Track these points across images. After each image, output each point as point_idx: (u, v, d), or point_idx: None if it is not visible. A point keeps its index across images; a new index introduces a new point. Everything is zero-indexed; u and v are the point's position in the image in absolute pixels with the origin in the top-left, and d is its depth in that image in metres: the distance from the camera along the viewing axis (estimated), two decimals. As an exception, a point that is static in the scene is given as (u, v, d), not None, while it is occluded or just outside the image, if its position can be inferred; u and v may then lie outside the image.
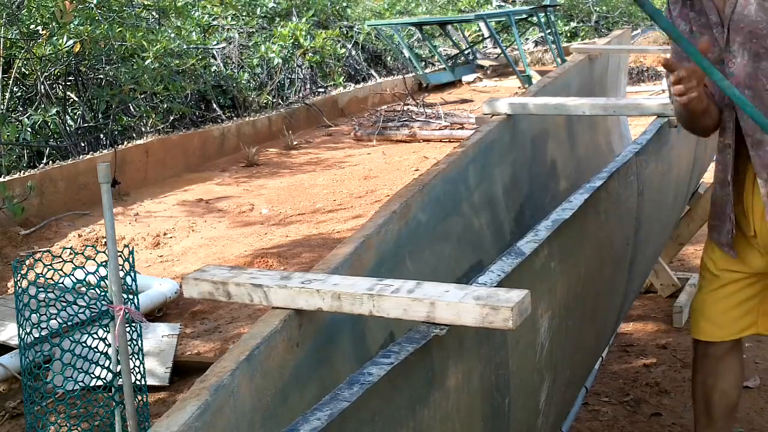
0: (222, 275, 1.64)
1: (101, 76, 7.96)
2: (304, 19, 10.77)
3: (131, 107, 8.12)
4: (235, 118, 9.09)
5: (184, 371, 3.59)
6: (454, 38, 13.65)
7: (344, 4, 13.21)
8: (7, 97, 7.34)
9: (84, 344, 2.79)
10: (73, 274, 2.76)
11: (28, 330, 2.69)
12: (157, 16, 8.92)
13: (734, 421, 2.45)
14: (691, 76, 1.94)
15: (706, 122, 2.19)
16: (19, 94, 7.80)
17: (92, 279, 2.79)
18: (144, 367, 2.88)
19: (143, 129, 8.15)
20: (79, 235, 5.74)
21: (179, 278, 4.67)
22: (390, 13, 14.32)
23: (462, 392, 1.52)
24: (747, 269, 2.29)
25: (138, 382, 2.83)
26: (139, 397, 2.82)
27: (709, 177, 4.23)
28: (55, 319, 2.75)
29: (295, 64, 10.43)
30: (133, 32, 7.59)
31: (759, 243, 2.25)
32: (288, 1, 11.70)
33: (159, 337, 3.68)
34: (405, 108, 10.02)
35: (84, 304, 2.77)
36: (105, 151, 7.13)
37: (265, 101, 9.75)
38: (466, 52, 13.21)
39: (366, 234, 2.08)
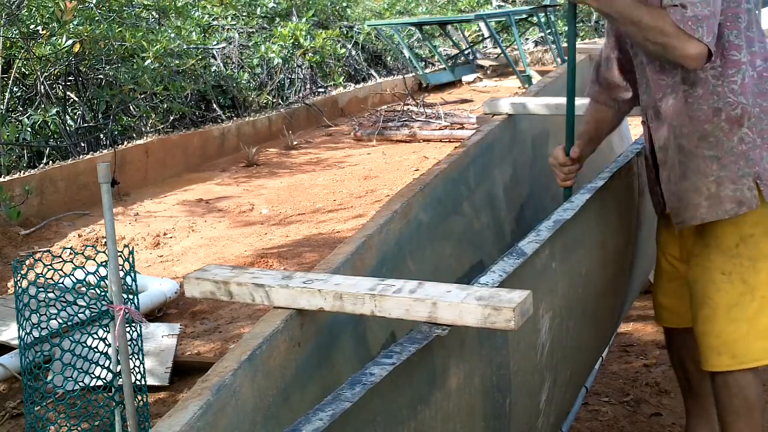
0: (224, 275, 1.64)
1: (101, 76, 7.96)
2: (304, 19, 10.77)
3: (131, 107, 8.12)
4: (235, 118, 9.08)
5: (184, 371, 3.58)
6: (454, 38, 13.64)
7: (344, 4, 13.20)
8: (7, 97, 7.34)
9: (84, 344, 2.78)
10: (73, 274, 2.76)
11: (28, 330, 2.69)
12: (157, 16, 8.92)
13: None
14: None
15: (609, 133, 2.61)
16: (19, 94, 7.80)
17: (92, 279, 2.79)
18: (144, 367, 2.88)
19: (143, 129, 8.15)
20: (79, 235, 5.74)
21: (179, 278, 4.67)
22: (390, 13, 14.31)
23: (463, 392, 1.52)
24: (679, 254, 2.37)
25: (138, 382, 2.82)
26: (139, 397, 2.81)
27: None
28: (55, 319, 2.74)
29: (295, 64, 10.43)
30: (133, 32, 7.59)
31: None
32: (288, 1, 11.70)
33: (159, 337, 3.68)
34: (405, 108, 10.02)
35: (84, 304, 2.77)
36: (105, 151, 7.13)
37: (265, 101, 9.75)
38: (466, 52, 13.20)
39: (367, 234, 2.08)
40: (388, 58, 13.28)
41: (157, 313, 4.27)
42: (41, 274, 2.69)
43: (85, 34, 7.11)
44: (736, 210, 2.09)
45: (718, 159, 2.09)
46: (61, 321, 2.77)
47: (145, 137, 7.76)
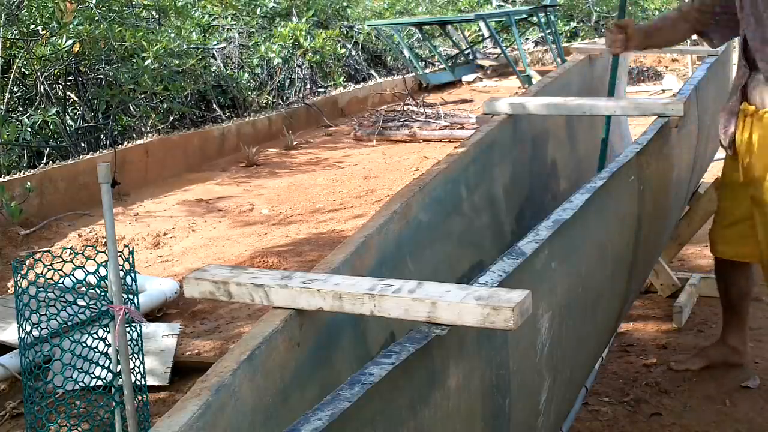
0: (223, 275, 1.64)
1: (101, 76, 7.96)
2: (304, 19, 10.76)
3: (131, 107, 8.12)
4: (235, 118, 9.08)
5: (184, 371, 3.58)
6: (454, 38, 13.64)
7: (344, 4, 13.20)
8: (7, 97, 7.33)
9: (84, 344, 2.79)
10: (73, 274, 2.76)
11: (28, 330, 2.69)
12: (157, 16, 8.91)
13: (747, 305, 3.22)
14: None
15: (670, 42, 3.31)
16: (19, 94, 7.79)
17: (92, 279, 2.79)
18: (144, 367, 2.88)
19: (143, 129, 8.14)
20: (79, 235, 5.74)
21: (179, 278, 4.67)
22: (390, 13, 14.30)
23: (463, 392, 1.52)
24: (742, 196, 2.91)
25: (138, 382, 2.83)
26: (139, 397, 2.82)
27: (709, 177, 4.22)
28: (55, 319, 2.74)
29: (295, 64, 10.43)
30: (132, 32, 7.59)
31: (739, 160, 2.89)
32: (288, 1, 11.69)
33: (159, 337, 3.68)
34: (405, 108, 10.02)
35: (84, 304, 2.77)
36: (105, 151, 7.13)
37: (265, 101, 9.75)
38: (466, 52, 13.20)
39: (367, 234, 2.08)
40: (388, 58, 13.27)
41: (157, 313, 4.27)
42: (41, 274, 2.69)
43: (85, 34, 7.10)
44: None
45: None
46: (61, 321, 2.77)
47: (145, 137, 7.76)
